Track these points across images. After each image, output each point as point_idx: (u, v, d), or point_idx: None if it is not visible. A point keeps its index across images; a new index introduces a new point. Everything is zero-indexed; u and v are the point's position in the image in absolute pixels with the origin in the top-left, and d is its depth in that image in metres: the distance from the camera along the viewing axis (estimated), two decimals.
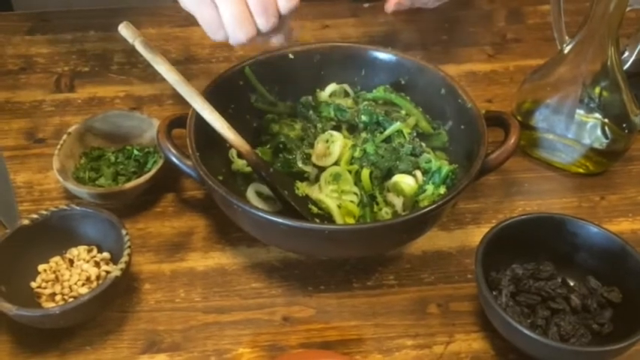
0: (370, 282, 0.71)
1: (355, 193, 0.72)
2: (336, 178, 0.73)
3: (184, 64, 0.98)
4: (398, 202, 0.72)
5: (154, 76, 0.95)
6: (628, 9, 0.73)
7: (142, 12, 1.08)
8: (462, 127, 0.75)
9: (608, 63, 0.75)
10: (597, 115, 0.78)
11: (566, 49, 0.78)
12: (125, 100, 0.92)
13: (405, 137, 0.75)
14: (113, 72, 0.97)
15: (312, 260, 0.72)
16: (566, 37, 0.79)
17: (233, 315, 0.67)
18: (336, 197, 0.72)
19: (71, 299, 0.64)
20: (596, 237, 0.66)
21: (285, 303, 0.69)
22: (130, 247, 0.65)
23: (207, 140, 0.71)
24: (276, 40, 0.69)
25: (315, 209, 0.71)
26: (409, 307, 0.68)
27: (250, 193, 0.74)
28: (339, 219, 0.71)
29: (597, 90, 0.77)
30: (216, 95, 0.74)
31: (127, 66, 0.97)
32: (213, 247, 0.74)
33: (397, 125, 0.76)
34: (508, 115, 0.74)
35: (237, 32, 0.65)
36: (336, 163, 0.75)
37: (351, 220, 0.71)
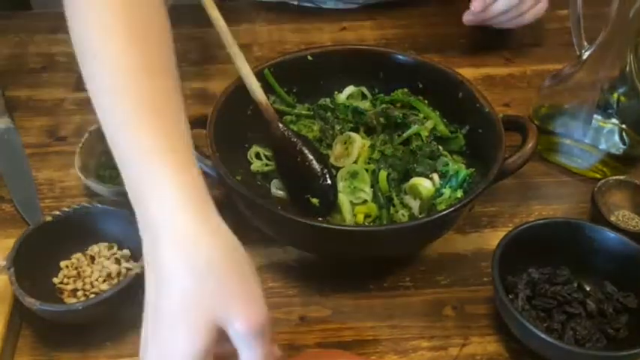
0: (386, 284, 0.71)
1: (366, 191, 0.73)
2: (353, 175, 0.74)
3: (203, 64, 0.98)
4: (415, 204, 0.72)
5: None
6: None
7: None
8: (480, 131, 0.75)
9: (627, 69, 0.75)
10: (615, 120, 0.78)
11: (585, 55, 0.78)
12: None
13: (422, 140, 0.76)
14: None
15: (329, 261, 0.73)
16: (585, 43, 0.79)
17: None
18: (349, 192, 0.73)
19: (92, 295, 0.65)
20: (612, 242, 0.66)
21: (301, 303, 0.69)
22: None
23: (226, 141, 0.72)
24: None
25: None
26: (425, 309, 0.69)
27: (274, 189, 0.75)
28: (347, 214, 0.71)
29: (615, 96, 0.78)
30: (236, 95, 0.75)
31: None
32: None
33: (415, 128, 0.76)
34: (526, 120, 0.74)
35: None
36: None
37: (361, 215, 0.72)
